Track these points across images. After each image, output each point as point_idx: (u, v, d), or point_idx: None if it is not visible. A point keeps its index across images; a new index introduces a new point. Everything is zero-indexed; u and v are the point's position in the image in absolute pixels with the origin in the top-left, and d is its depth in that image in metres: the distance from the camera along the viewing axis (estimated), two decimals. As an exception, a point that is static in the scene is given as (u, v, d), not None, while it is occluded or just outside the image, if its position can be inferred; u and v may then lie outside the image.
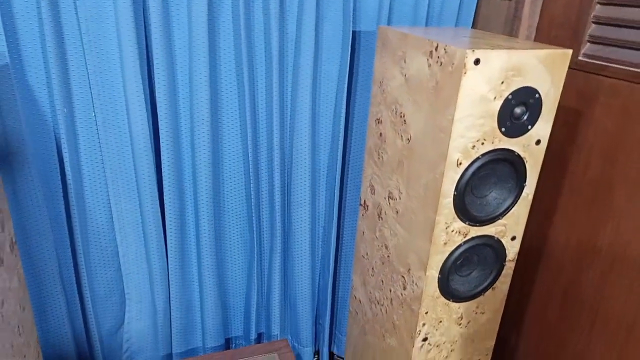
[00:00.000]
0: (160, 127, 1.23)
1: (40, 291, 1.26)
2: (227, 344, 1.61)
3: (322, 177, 1.48)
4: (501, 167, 1.01)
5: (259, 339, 1.63)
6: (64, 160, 1.19)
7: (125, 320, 1.44)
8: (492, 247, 1.09)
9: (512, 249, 1.12)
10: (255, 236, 1.45)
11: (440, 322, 1.13)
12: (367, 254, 1.33)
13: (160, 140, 1.24)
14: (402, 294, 1.17)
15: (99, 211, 1.29)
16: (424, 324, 1.11)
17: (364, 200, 1.32)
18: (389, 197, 1.18)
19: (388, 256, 1.22)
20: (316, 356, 1.75)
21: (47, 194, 1.21)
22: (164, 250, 1.37)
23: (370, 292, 1.33)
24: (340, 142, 1.39)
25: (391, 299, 1.22)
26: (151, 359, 1.49)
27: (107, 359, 1.43)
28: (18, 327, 1.01)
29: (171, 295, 1.42)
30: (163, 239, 1.36)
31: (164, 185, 1.29)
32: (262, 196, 1.43)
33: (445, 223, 1.01)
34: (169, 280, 1.41)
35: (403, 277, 1.15)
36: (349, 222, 1.56)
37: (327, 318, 1.64)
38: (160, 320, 1.44)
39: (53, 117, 1.17)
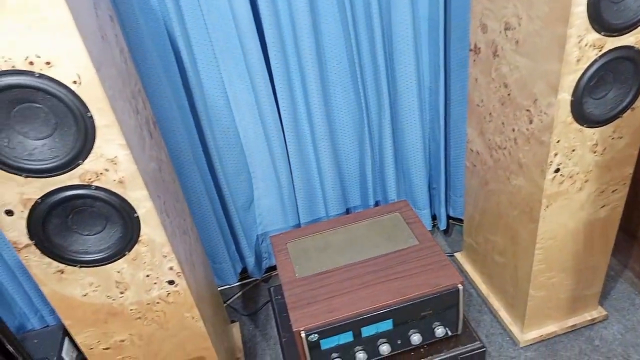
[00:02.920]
0: (259, 5, 1.23)
1: (178, 172, 1.40)
2: (348, 213, 1.71)
3: (423, 31, 1.41)
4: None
5: (376, 206, 1.70)
6: (179, 51, 1.25)
7: (254, 197, 1.57)
8: (632, 60, 0.99)
9: (655, 62, 1.01)
10: (363, 104, 1.46)
11: (574, 150, 1.08)
12: (482, 100, 1.28)
13: (262, 18, 1.25)
14: (528, 129, 1.12)
15: (217, 95, 1.37)
16: (555, 154, 1.07)
17: (474, 44, 1.24)
18: (506, 28, 1.10)
19: (508, 94, 1.16)
20: (434, 220, 1.79)
21: (170, 84, 1.30)
22: (280, 127, 1.43)
23: (490, 139, 1.30)
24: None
25: (515, 139, 1.18)
26: (282, 229, 1.63)
27: (245, 230, 1.58)
28: (174, 193, 1.15)
29: (292, 171, 1.51)
30: (278, 117, 1.41)
31: (271, 61, 1.31)
32: (364, 62, 1.41)
33: (578, 36, 0.93)
34: (289, 157, 1.48)
35: (528, 110, 1.10)
36: (456, 79, 1.50)
37: (442, 181, 1.65)
38: (285, 195, 1.55)
39: (161, 7, 1.21)
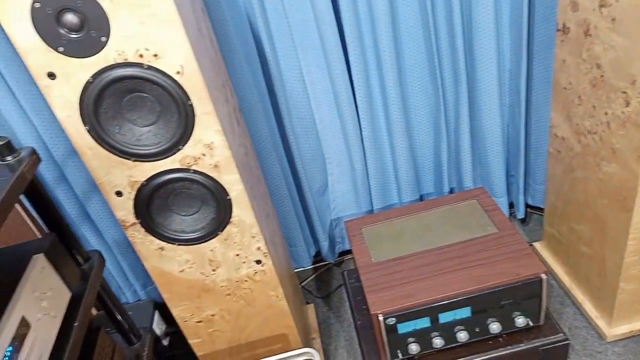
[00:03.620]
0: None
1: (258, 158, 1.46)
2: (421, 200, 1.70)
3: (504, 10, 1.36)
4: None
5: (451, 193, 1.68)
6: (261, 41, 1.30)
7: (329, 182, 1.60)
8: None
9: None
10: (439, 88, 1.44)
11: (676, 134, 1.01)
12: (570, 83, 1.22)
13: (340, 6, 1.26)
14: (623, 112, 1.06)
15: (295, 83, 1.40)
16: (655, 139, 1.01)
17: (563, 24, 1.18)
18: (601, 5, 1.04)
19: (601, 76, 1.10)
20: (511, 209, 1.74)
21: (252, 73, 1.35)
22: (356, 113, 1.44)
23: (578, 124, 1.24)
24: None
25: (607, 123, 1.12)
26: (355, 214, 1.66)
27: (320, 215, 1.62)
28: (258, 178, 1.20)
29: (366, 157, 1.52)
30: (354, 103, 1.43)
31: (348, 49, 1.32)
32: (441, 44, 1.39)
33: (687, 11, 0.86)
34: (363, 142, 1.50)
35: (625, 92, 1.04)
36: (539, 61, 1.44)
37: (521, 169, 1.60)
38: (359, 181, 1.57)
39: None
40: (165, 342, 1.55)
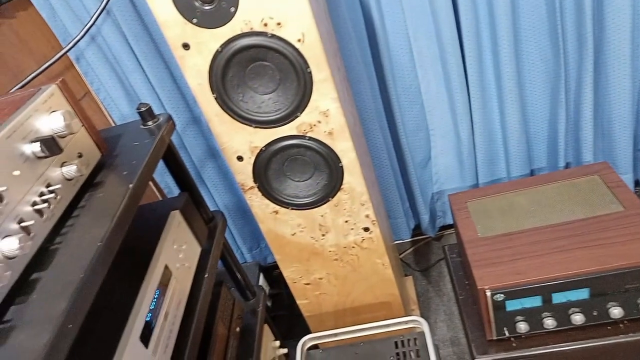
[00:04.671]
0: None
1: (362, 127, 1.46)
2: (531, 175, 1.60)
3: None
4: None
5: (567, 168, 1.56)
6: (369, 7, 1.28)
7: (432, 155, 1.56)
8: None
9: None
10: (561, 53, 1.32)
11: None
12: None
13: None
14: None
15: (402, 51, 1.37)
16: None
17: None
18: None
19: None
20: (636, 187, 1.58)
21: (358, 41, 1.34)
22: (465, 82, 1.38)
23: None
24: None
25: None
26: (458, 188, 1.61)
27: (421, 187, 1.60)
28: (364, 147, 1.20)
29: (474, 128, 1.46)
30: (463, 71, 1.37)
31: (460, 11, 1.26)
32: (565, 3, 1.27)
33: None
34: (471, 113, 1.44)
35: None
36: (685, 20, 1.26)
37: (652, 142, 1.44)
38: (465, 153, 1.51)
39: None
40: (268, 303, 1.65)
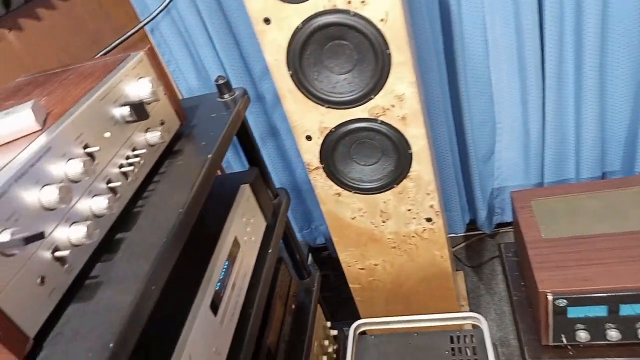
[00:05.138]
0: None
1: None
2: (602, 178, 1.51)
3: None
4: None
5: (642, 174, 1.47)
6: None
7: (495, 149, 1.51)
8: None
9: None
10: (652, 50, 1.23)
11: None
12: None
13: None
14: None
15: (476, 39, 1.32)
16: None
17: None
18: None
19: None
20: None
21: (431, 26, 1.29)
22: (541, 75, 1.32)
23: None
24: None
25: None
26: (521, 186, 1.54)
27: (481, 182, 1.55)
28: (430, 136, 1.17)
29: (545, 124, 1.39)
30: (540, 63, 1.30)
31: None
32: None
33: None
34: (544, 108, 1.37)
35: None
36: None
37: None
38: (532, 150, 1.45)
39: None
40: (316, 284, 1.66)
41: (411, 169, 0.97)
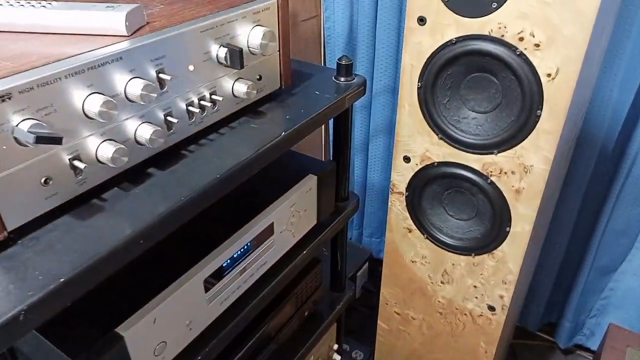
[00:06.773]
0: None
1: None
2: None
3: None
4: None
5: None
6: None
7: (619, 269, 1.24)
8: None
9: None
10: None
11: None
12: None
13: None
14: None
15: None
16: None
17: None
18: None
19: None
20: None
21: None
22: None
23: None
24: None
25: None
26: (626, 321, 1.27)
27: (584, 293, 1.30)
28: (546, 219, 0.98)
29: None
30: None
31: None
32: None
33: None
34: None
35: None
36: None
37: None
38: (664, 292, 1.17)
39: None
40: (357, 294, 1.57)
41: (499, 248, 0.82)
